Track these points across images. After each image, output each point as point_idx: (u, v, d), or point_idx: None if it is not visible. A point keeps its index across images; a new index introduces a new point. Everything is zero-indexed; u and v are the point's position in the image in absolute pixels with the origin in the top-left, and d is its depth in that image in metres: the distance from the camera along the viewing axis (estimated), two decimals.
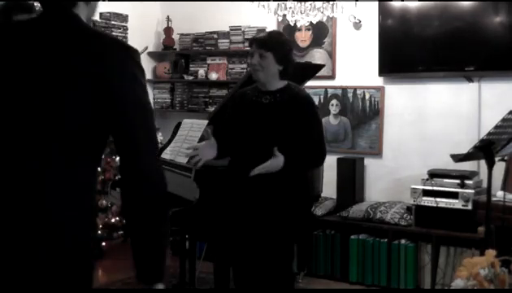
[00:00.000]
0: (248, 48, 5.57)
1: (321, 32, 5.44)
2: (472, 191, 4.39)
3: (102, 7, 5.55)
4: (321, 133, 3.16)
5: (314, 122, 3.10)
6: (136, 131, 1.60)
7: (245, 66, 5.74)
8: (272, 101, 3.06)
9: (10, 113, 1.61)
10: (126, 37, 5.67)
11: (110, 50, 1.63)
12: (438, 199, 4.44)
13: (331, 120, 5.40)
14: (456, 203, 4.41)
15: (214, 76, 5.93)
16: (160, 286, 1.64)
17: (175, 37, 6.16)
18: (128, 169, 1.62)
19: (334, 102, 5.39)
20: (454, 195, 4.41)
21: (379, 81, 5.16)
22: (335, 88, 5.39)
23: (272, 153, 2.92)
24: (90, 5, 1.73)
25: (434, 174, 4.56)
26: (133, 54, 1.67)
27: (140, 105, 1.63)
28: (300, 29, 5.41)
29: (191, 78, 6.06)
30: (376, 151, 5.21)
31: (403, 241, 4.62)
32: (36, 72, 1.60)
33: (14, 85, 1.62)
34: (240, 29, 5.76)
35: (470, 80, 4.77)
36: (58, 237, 1.58)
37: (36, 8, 3.18)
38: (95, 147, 1.67)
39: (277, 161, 2.92)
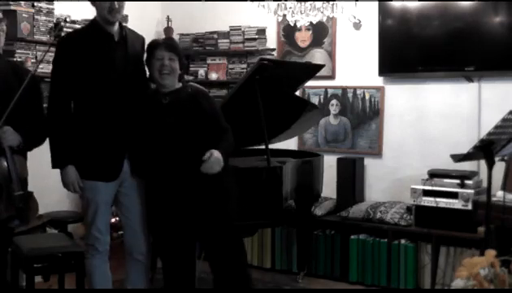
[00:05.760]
0: (248, 48, 5.67)
1: (321, 32, 5.43)
2: (472, 191, 4.39)
3: None
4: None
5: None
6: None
7: (245, 66, 5.74)
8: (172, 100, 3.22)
9: None
10: None
11: None
12: (438, 199, 4.44)
13: (332, 120, 5.40)
14: (456, 203, 4.41)
15: (214, 76, 5.93)
16: None
17: (175, 37, 6.15)
18: None
19: (334, 102, 5.39)
20: (454, 195, 4.41)
21: (379, 81, 5.16)
22: (335, 88, 5.39)
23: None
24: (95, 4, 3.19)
25: (434, 174, 4.57)
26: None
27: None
28: (300, 29, 5.41)
29: (191, 78, 6.05)
30: (376, 151, 5.21)
31: (403, 241, 4.61)
32: None
33: None
34: (240, 29, 5.76)
35: (470, 80, 4.77)
36: None
37: None
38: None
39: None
